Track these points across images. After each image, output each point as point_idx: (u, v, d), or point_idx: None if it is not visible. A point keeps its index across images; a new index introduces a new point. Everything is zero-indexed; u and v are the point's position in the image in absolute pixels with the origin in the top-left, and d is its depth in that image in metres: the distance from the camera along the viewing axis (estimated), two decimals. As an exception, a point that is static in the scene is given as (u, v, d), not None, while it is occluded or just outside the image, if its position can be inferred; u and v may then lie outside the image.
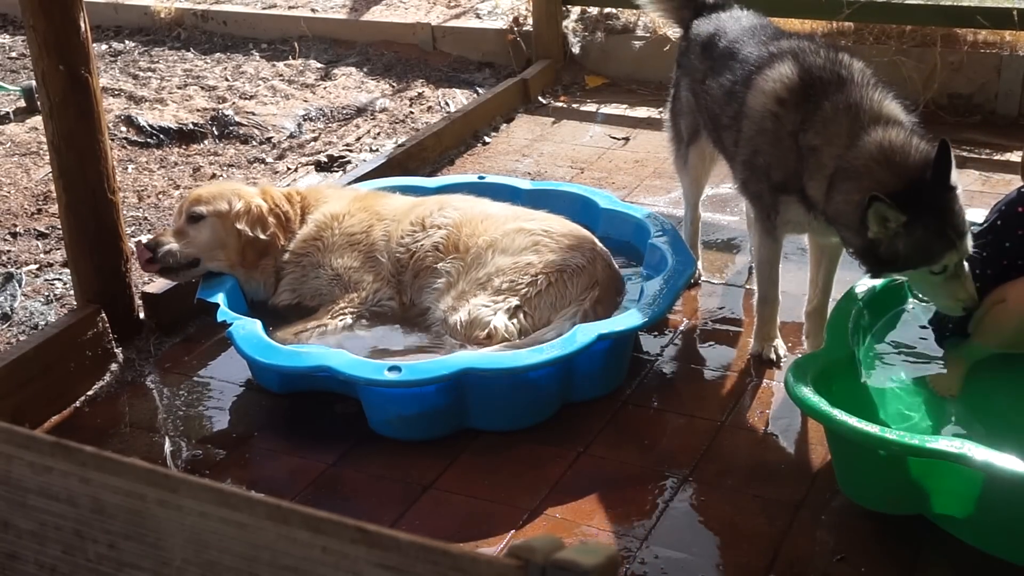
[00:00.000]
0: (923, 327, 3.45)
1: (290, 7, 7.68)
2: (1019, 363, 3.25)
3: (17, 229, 4.80)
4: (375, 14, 7.38)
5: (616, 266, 3.88)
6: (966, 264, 3.01)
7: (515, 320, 3.57)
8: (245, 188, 4.05)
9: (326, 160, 5.49)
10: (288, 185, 5.19)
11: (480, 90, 6.33)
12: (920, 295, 3.32)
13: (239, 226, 3.86)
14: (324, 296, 3.86)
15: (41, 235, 4.75)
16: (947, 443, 2.63)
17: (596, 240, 3.89)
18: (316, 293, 3.89)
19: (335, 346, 3.51)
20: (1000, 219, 3.19)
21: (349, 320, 3.75)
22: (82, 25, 3.53)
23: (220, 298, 3.71)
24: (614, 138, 5.70)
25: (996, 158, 5.24)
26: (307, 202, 4.07)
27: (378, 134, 5.86)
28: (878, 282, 3.41)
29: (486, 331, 3.53)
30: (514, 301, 3.60)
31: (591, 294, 3.64)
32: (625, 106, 6.12)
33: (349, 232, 3.93)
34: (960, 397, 3.21)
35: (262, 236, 3.89)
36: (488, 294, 3.62)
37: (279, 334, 3.65)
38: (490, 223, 3.85)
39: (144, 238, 4.09)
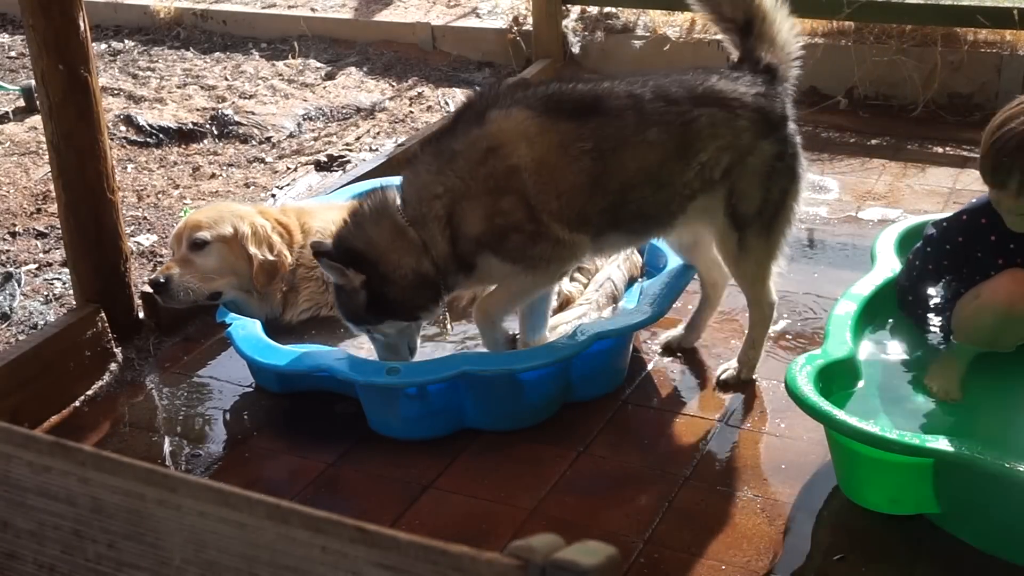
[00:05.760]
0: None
1: (290, 7, 7.69)
2: (1020, 362, 3.25)
3: (16, 229, 4.80)
4: (376, 14, 7.39)
5: None
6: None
7: (576, 283, 3.78)
8: (242, 208, 3.89)
9: (326, 160, 5.48)
10: (288, 184, 5.19)
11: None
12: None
13: (250, 249, 3.72)
14: None
15: (40, 235, 4.75)
16: (947, 443, 2.63)
17: None
18: None
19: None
20: (965, 214, 3.27)
21: None
22: (81, 24, 3.52)
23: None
24: (614, 138, 5.69)
25: (996, 158, 5.23)
26: (302, 214, 3.97)
27: (378, 134, 5.86)
28: (877, 281, 3.42)
29: (559, 299, 3.69)
30: None
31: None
32: (625, 106, 6.11)
33: None
34: (963, 396, 3.20)
35: (271, 257, 3.76)
36: None
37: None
38: None
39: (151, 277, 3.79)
